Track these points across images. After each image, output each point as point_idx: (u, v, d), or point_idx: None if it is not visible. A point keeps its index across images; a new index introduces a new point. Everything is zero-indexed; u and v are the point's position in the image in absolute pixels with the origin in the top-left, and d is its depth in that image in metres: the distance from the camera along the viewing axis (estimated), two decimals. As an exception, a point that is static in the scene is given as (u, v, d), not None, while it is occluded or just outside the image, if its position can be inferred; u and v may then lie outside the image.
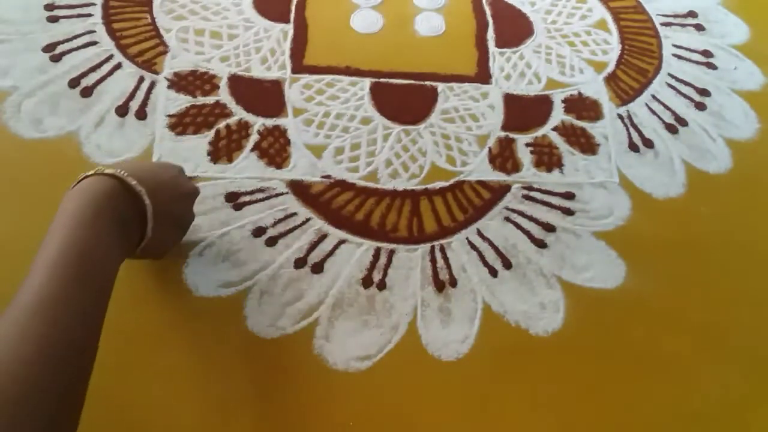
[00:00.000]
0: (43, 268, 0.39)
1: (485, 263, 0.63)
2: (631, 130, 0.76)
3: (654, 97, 0.80)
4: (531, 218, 0.67)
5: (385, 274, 0.61)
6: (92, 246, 0.40)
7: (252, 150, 0.68)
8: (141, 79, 0.72)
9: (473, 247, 0.64)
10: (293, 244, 0.62)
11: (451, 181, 0.69)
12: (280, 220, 0.63)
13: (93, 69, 0.71)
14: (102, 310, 0.40)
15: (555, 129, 0.75)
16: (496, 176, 0.70)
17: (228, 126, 0.69)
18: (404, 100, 0.75)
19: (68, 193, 0.44)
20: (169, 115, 0.69)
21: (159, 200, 0.47)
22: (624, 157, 0.73)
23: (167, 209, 0.48)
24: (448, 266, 0.62)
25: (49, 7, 0.76)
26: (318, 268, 0.60)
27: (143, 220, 0.46)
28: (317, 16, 0.82)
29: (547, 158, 0.72)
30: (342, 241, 0.63)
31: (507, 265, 0.63)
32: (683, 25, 0.89)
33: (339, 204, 0.65)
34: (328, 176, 0.67)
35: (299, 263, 0.61)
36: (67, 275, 0.38)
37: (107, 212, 0.43)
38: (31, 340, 0.34)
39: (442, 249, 0.63)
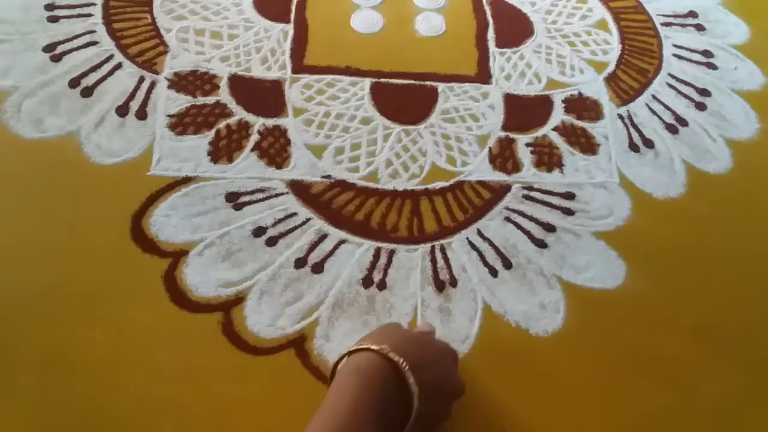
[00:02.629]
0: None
1: (485, 263, 0.63)
2: (632, 130, 0.76)
3: (654, 97, 0.80)
4: (531, 218, 0.67)
5: (385, 274, 0.61)
6: (355, 418, 0.41)
7: (252, 150, 0.68)
8: (141, 79, 0.72)
9: (473, 247, 0.64)
10: (293, 244, 0.62)
11: (452, 181, 0.69)
12: (280, 220, 0.63)
13: (93, 69, 0.71)
14: None
15: (555, 129, 0.75)
16: (497, 176, 0.70)
17: (228, 126, 0.69)
18: (404, 100, 0.75)
19: (351, 363, 0.44)
20: (169, 115, 0.69)
21: (427, 400, 0.44)
22: (624, 157, 0.73)
23: (430, 410, 0.44)
24: (449, 266, 0.62)
25: (49, 7, 0.76)
26: (318, 268, 0.61)
27: (405, 420, 0.44)
28: (317, 16, 0.82)
29: (547, 158, 0.72)
30: (342, 241, 0.63)
31: (507, 265, 0.63)
32: (683, 25, 0.89)
33: (339, 204, 0.65)
34: (328, 176, 0.67)
35: (299, 263, 0.61)
36: None
37: (375, 392, 0.42)
38: None
39: (443, 249, 0.63)
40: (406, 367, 0.43)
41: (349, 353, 0.46)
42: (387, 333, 0.49)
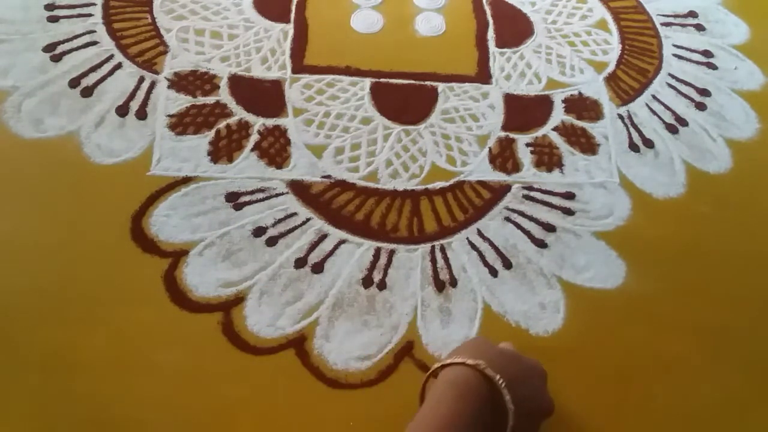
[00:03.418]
0: None
1: (485, 263, 0.63)
2: (632, 130, 0.76)
3: (654, 97, 0.80)
4: (531, 218, 0.67)
5: (385, 274, 0.61)
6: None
7: (252, 150, 0.68)
8: (141, 79, 0.72)
9: (473, 247, 0.64)
10: (293, 244, 0.62)
11: (452, 181, 0.69)
12: (280, 220, 0.63)
13: (93, 69, 0.71)
14: None
15: (555, 129, 0.75)
16: (497, 176, 0.70)
17: (228, 126, 0.69)
18: (404, 100, 0.75)
19: (448, 376, 0.45)
20: (169, 115, 0.69)
21: (519, 417, 0.43)
22: (624, 157, 0.73)
23: (521, 427, 0.44)
24: (449, 266, 0.62)
25: (49, 7, 0.76)
26: (318, 268, 0.61)
27: (503, 425, 0.44)
28: (317, 16, 0.82)
29: (547, 158, 0.72)
30: (342, 241, 0.63)
31: (507, 265, 0.63)
32: (683, 25, 0.89)
33: (339, 204, 0.65)
34: (328, 176, 0.67)
35: (299, 263, 0.61)
36: None
37: (471, 408, 0.42)
38: None
39: (443, 249, 0.63)
40: (503, 384, 0.43)
41: (443, 366, 0.46)
42: (480, 348, 0.48)
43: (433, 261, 0.62)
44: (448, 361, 0.46)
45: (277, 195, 0.65)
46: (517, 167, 0.71)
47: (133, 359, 0.53)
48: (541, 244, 0.65)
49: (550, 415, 0.48)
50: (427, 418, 0.42)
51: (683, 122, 0.77)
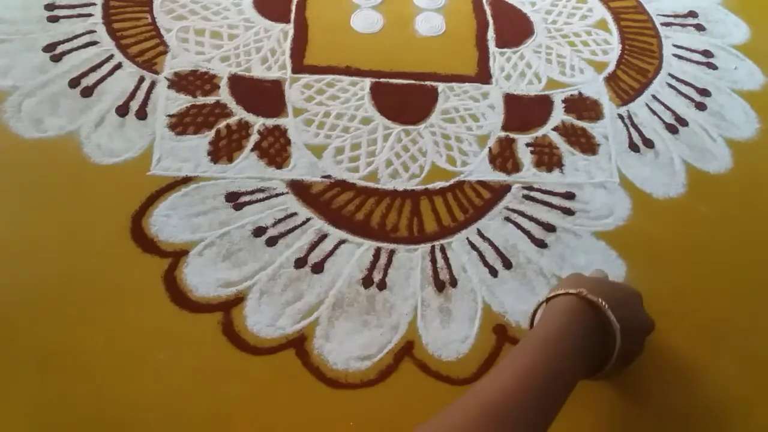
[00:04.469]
0: (510, 375, 0.41)
1: (485, 263, 0.63)
2: (632, 130, 0.76)
3: (654, 97, 0.80)
4: (531, 218, 0.67)
5: (385, 274, 0.61)
6: (562, 368, 0.43)
7: (252, 150, 0.68)
8: (141, 79, 0.72)
9: (473, 247, 0.64)
10: (293, 244, 0.62)
11: (452, 181, 0.69)
12: (280, 220, 0.63)
13: (93, 69, 0.71)
14: (547, 426, 0.41)
15: (555, 129, 0.75)
16: (497, 176, 0.70)
17: (228, 126, 0.69)
18: (404, 100, 0.75)
19: (556, 305, 0.47)
20: (169, 115, 0.69)
21: (625, 336, 0.46)
22: (624, 157, 0.73)
23: (628, 345, 0.47)
24: (449, 266, 0.62)
25: (49, 7, 0.76)
26: (318, 268, 0.60)
27: (608, 353, 0.47)
28: (317, 16, 0.82)
29: (547, 158, 0.72)
30: (342, 241, 0.63)
31: (507, 265, 0.63)
32: (683, 25, 0.89)
33: (339, 204, 0.65)
34: (328, 176, 0.67)
35: (299, 263, 0.61)
36: (530, 388, 0.40)
37: (583, 340, 0.45)
38: None
39: (443, 249, 0.63)
40: (606, 306, 0.46)
41: (547, 300, 0.49)
42: (578, 279, 0.51)
43: (433, 261, 0.62)
44: (552, 294, 0.49)
45: (277, 195, 0.65)
46: (517, 167, 0.71)
47: (133, 359, 0.53)
48: (541, 244, 0.65)
49: (651, 331, 0.52)
50: (537, 333, 0.45)
51: (683, 122, 0.77)
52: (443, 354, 0.57)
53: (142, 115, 0.69)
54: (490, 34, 0.84)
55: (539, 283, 0.62)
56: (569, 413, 0.54)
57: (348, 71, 0.77)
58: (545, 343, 0.43)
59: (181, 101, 0.70)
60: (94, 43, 0.74)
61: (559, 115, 0.76)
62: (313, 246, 0.62)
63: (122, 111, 0.69)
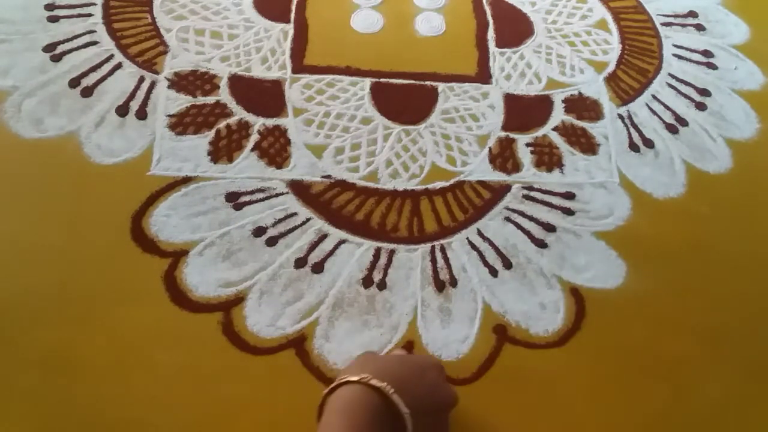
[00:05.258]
0: None
1: (485, 263, 0.63)
2: (632, 130, 0.76)
3: (654, 97, 0.80)
4: (531, 218, 0.67)
5: (385, 274, 0.61)
6: None
7: (252, 150, 0.68)
8: (141, 79, 0.72)
9: (473, 247, 0.64)
10: (293, 244, 0.62)
11: (452, 181, 0.69)
12: (280, 220, 0.63)
13: (93, 69, 0.71)
14: None
15: (555, 129, 0.75)
16: (497, 176, 0.70)
17: (228, 126, 0.69)
18: (404, 100, 0.75)
19: (334, 403, 0.42)
20: (169, 115, 0.69)
21: (419, 418, 0.42)
22: (624, 157, 0.73)
23: (426, 426, 0.44)
24: (449, 266, 0.62)
25: (49, 7, 0.76)
26: (318, 268, 0.60)
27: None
28: (317, 16, 0.82)
29: (547, 158, 0.72)
30: (342, 241, 0.63)
31: (507, 265, 0.63)
32: (683, 25, 0.89)
33: (339, 204, 0.65)
34: (328, 176, 0.67)
35: (299, 263, 0.61)
36: None
37: (367, 424, 0.41)
38: None
39: (443, 249, 0.63)
40: (391, 391, 0.42)
41: (331, 390, 0.43)
42: (365, 362, 0.47)
43: (433, 261, 0.62)
44: (333, 384, 0.44)
45: (277, 195, 0.65)
46: (517, 167, 0.71)
47: (133, 359, 0.53)
48: (541, 244, 0.65)
49: (454, 406, 0.47)
50: None
51: (683, 122, 0.77)
52: (443, 354, 0.57)
53: (142, 115, 0.69)
54: (490, 34, 0.84)
55: (539, 283, 0.62)
56: (570, 413, 0.54)
57: (348, 71, 0.77)
58: None
59: (181, 101, 0.70)
60: (94, 43, 0.74)
61: (559, 115, 0.76)
62: (313, 246, 0.62)
63: (122, 111, 0.69)
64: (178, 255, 0.59)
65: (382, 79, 0.76)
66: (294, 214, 0.64)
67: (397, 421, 0.42)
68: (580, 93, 0.79)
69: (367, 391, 0.42)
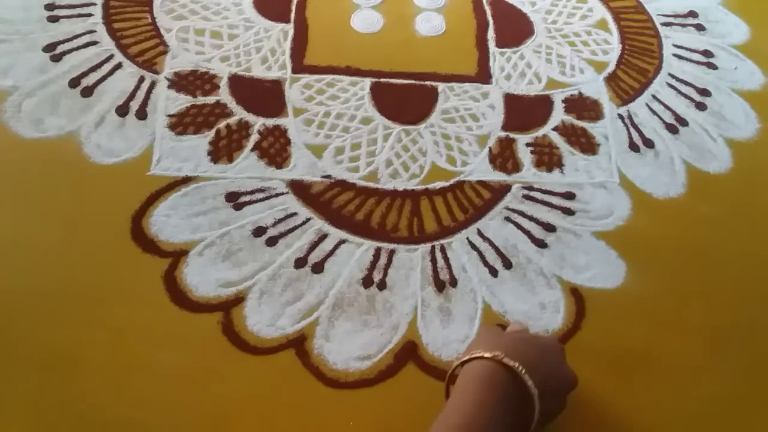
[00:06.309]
0: None
1: (485, 263, 0.63)
2: (632, 130, 0.76)
3: (654, 97, 0.80)
4: (531, 218, 0.67)
5: (385, 274, 0.61)
6: (481, 427, 0.41)
7: (252, 150, 0.68)
8: (141, 79, 0.72)
9: (473, 247, 0.64)
10: (293, 244, 0.62)
11: (452, 181, 0.69)
12: (280, 220, 0.63)
13: (93, 69, 0.71)
14: None
15: (555, 129, 0.75)
16: (497, 176, 0.70)
17: (228, 126, 0.69)
18: (404, 100, 0.75)
19: (470, 374, 0.45)
20: (169, 115, 0.69)
21: (544, 398, 0.44)
22: (624, 157, 0.73)
23: (548, 407, 0.46)
24: (449, 266, 0.62)
25: (49, 7, 0.76)
26: (318, 267, 0.60)
27: (527, 418, 0.44)
28: (318, 16, 0.82)
29: (547, 158, 0.72)
30: (342, 241, 0.63)
31: (507, 265, 0.63)
32: (684, 25, 0.89)
33: (339, 204, 0.65)
34: (328, 176, 0.67)
35: (299, 263, 0.61)
36: None
37: (497, 400, 0.43)
38: None
39: (443, 249, 0.63)
40: (523, 371, 0.43)
41: (463, 363, 0.46)
42: (494, 338, 0.49)
43: (433, 261, 0.62)
44: (466, 357, 0.46)
45: (277, 195, 0.65)
46: (517, 167, 0.71)
47: (133, 359, 0.53)
48: (541, 244, 0.65)
49: (573, 388, 0.49)
50: (453, 414, 0.43)
51: (683, 122, 0.77)
52: (443, 354, 0.57)
53: (142, 115, 0.69)
54: (490, 34, 0.84)
55: (539, 283, 0.62)
56: (569, 413, 0.54)
57: (348, 71, 0.77)
58: (465, 419, 0.41)
59: (181, 101, 0.70)
60: (94, 43, 0.74)
61: (559, 115, 0.76)
62: (313, 246, 0.62)
63: (122, 111, 0.69)
64: (178, 255, 0.59)
65: (382, 79, 0.76)
66: (294, 214, 0.64)
67: (524, 400, 0.44)
68: (580, 93, 0.79)
69: (499, 368, 0.44)
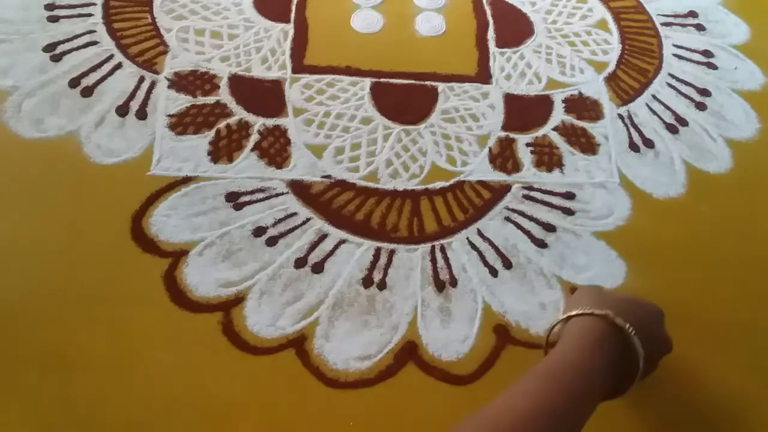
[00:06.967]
0: (528, 400, 0.40)
1: (485, 263, 0.63)
2: (632, 130, 0.76)
3: (654, 97, 0.80)
4: (531, 218, 0.67)
5: (385, 274, 0.61)
6: (578, 397, 0.41)
7: (252, 150, 0.68)
8: (141, 79, 0.72)
9: (473, 247, 0.64)
10: (293, 244, 0.62)
11: (452, 181, 0.69)
12: (280, 220, 0.63)
13: (93, 69, 0.71)
14: None
15: (555, 129, 0.75)
16: (497, 176, 0.70)
17: (228, 126, 0.69)
18: (404, 100, 0.75)
19: (581, 329, 0.46)
20: (169, 115, 0.69)
21: (649, 361, 0.46)
22: (624, 157, 0.73)
23: (647, 368, 0.47)
24: (449, 266, 0.62)
25: (49, 7, 0.76)
26: (318, 267, 0.60)
27: (628, 378, 0.46)
28: (317, 16, 0.82)
29: (547, 158, 0.72)
30: (342, 241, 0.63)
31: (507, 265, 0.63)
32: (684, 25, 0.89)
33: (339, 204, 0.65)
34: (328, 176, 0.67)
35: (299, 263, 0.61)
36: (548, 415, 0.39)
37: (604, 357, 0.44)
38: None
39: (443, 249, 0.63)
40: (632, 332, 0.44)
41: (568, 318, 0.47)
42: (601, 297, 0.50)
43: (433, 261, 0.62)
44: (574, 312, 0.47)
45: (277, 195, 0.65)
46: (517, 167, 0.71)
47: (133, 359, 0.53)
48: (541, 244, 0.65)
49: (669, 352, 0.51)
50: (558, 359, 0.43)
51: (683, 122, 0.77)
52: (443, 354, 0.57)
53: (142, 115, 0.69)
54: (490, 34, 0.84)
55: (539, 283, 0.62)
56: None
57: (348, 71, 0.77)
58: (566, 373, 0.42)
59: (181, 101, 0.70)
60: (94, 43, 0.74)
61: (559, 115, 0.76)
62: (313, 246, 0.62)
63: (122, 111, 0.69)
64: (178, 255, 0.59)
65: (382, 79, 0.76)
66: (294, 214, 0.64)
67: (627, 360, 0.45)
68: (580, 93, 0.79)
69: (608, 327, 0.45)
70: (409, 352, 0.57)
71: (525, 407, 0.38)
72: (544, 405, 0.39)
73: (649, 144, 0.74)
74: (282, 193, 0.65)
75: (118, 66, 0.72)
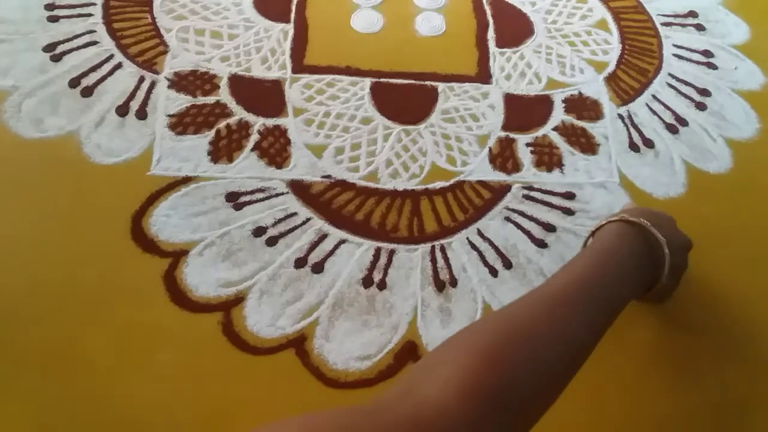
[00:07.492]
0: (568, 274, 0.46)
1: (485, 263, 0.63)
2: (632, 130, 0.76)
3: (654, 97, 0.79)
4: (531, 218, 0.67)
5: (385, 274, 0.61)
6: (614, 275, 0.47)
7: (252, 150, 0.68)
8: (141, 79, 0.72)
9: (473, 247, 0.64)
10: (293, 244, 0.62)
11: (452, 181, 0.69)
12: (280, 220, 0.63)
13: (93, 69, 0.71)
14: (602, 331, 0.45)
15: (555, 129, 0.75)
16: (497, 176, 0.70)
17: (228, 126, 0.69)
18: (404, 100, 0.75)
19: (602, 233, 0.54)
20: (169, 115, 0.69)
21: (673, 251, 0.52)
22: (624, 157, 0.73)
23: (675, 260, 0.53)
24: (449, 266, 0.62)
25: (49, 7, 0.76)
26: (318, 267, 0.60)
27: (657, 267, 0.52)
28: (318, 16, 0.82)
29: (547, 158, 0.72)
30: (342, 241, 0.63)
31: (507, 265, 0.63)
32: (684, 25, 0.89)
33: (339, 204, 0.65)
34: (328, 176, 0.67)
35: (299, 263, 0.61)
36: (590, 284, 0.45)
37: (632, 255, 0.50)
38: (542, 320, 0.41)
39: (443, 249, 0.63)
40: (649, 225, 0.51)
41: (595, 231, 0.55)
42: (638, 210, 0.57)
43: (433, 261, 0.62)
44: (596, 226, 0.55)
45: (277, 195, 0.65)
46: (517, 167, 0.71)
47: (133, 359, 0.53)
48: (541, 244, 0.65)
49: (691, 248, 0.57)
50: (591, 247, 0.51)
51: (683, 122, 0.77)
52: (443, 354, 0.57)
53: (142, 115, 0.69)
54: (490, 34, 0.84)
55: (539, 283, 0.62)
56: (569, 413, 0.55)
57: (348, 71, 0.77)
58: (599, 253, 0.49)
59: (181, 101, 0.70)
60: (94, 43, 0.74)
61: (559, 115, 0.76)
62: (313, 246, 0.62)
63: (122, 111, 0.69)
64: (178, 255, 0.59)
65: (382, 79, 0.76)
66: (294, 214, 0.64)
67: (653, 253, 0.52)
68: (580, 93, 0.79)
69: (629, 226, 0.52)
70: (409, 352, 0.57)
71: (568, 283, 0.44)
72: (584, 282, 0.44)
73: (649, 144, 0.74)
74: (282, 193, 0.65)
75: (118, 66, 0.72)
